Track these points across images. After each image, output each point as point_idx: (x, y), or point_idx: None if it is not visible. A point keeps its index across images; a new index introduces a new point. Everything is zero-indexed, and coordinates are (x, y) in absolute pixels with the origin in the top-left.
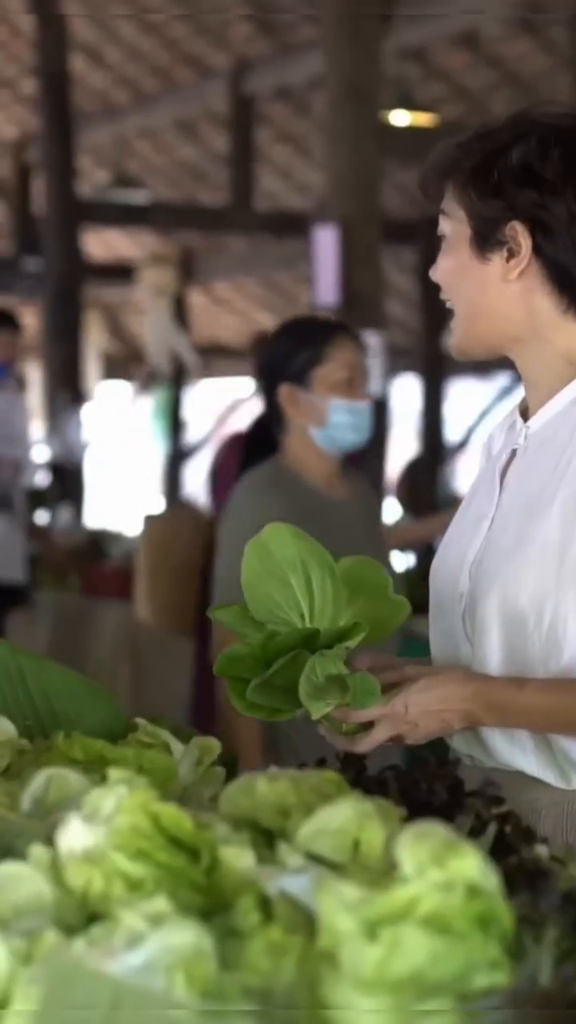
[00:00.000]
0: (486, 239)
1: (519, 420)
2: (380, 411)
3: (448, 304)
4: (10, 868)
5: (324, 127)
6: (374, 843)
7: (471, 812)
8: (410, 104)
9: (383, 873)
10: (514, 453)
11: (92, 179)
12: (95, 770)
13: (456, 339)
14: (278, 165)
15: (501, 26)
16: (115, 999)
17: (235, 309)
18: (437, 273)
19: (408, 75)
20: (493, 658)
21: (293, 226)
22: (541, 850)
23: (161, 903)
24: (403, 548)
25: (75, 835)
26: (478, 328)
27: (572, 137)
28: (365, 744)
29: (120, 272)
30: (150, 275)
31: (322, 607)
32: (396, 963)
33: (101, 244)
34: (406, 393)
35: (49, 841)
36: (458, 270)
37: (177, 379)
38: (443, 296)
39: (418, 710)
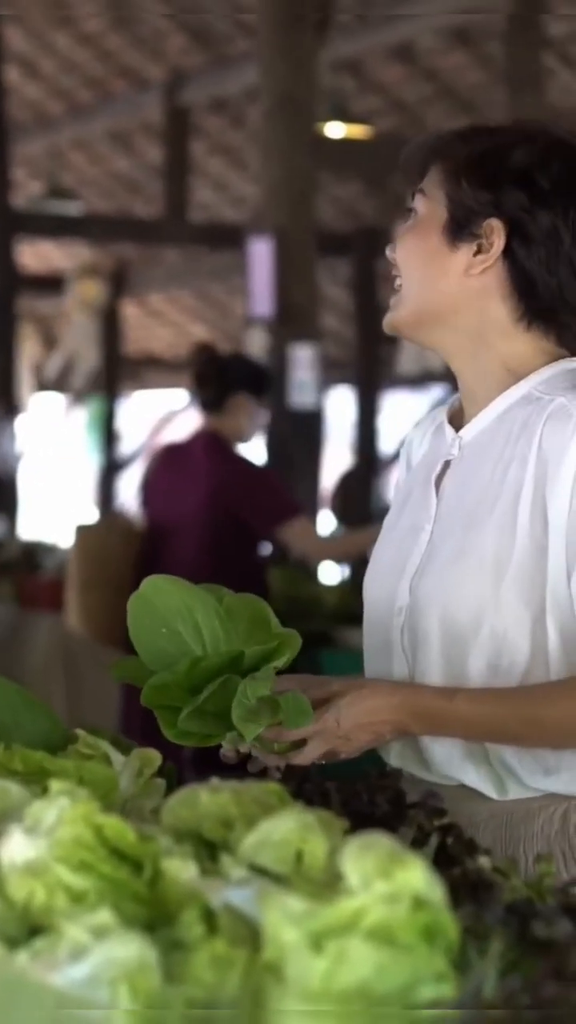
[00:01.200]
0: (460, 228)
1: (448, 428)
2: (314, 423)
3: (397, 281)
4: None
5: (259, 139)
6: (317, 854)
7: (413, 824)
8: (345, 116)
9: (327, 885)
10: (447, 463)
11: (26, 190)
12: (36, 782)
13: (395, 316)
14: (213, 177)
15: (436, 39)
16: (58, 1011)
17: (169, 321)
18: (398, 249)
19: (343, 87)
20: (434, 672)
21: (228, 238)
22: (484, 862)
23: (104, 915)
24: (337, 560)
25: (17, 847)
26: (424, 313)
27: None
28: (299, 760)
29: (54, 284)
30: (78, 287)
31: (215, 649)
32: (342, 975)
33: (35, 256)
34: (340, 405)
35: None
36: (423, 252)
37: (111, 390)
38: (394, 272)
39: (349, 724)
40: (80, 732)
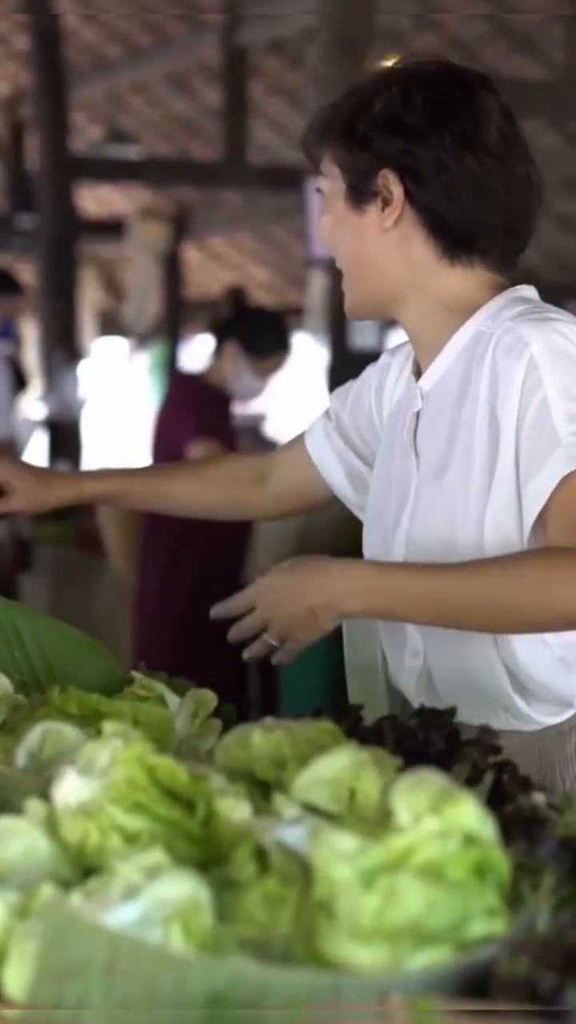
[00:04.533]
0: (359, 191)
1: (412, 380)
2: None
3: (338, 265)
4: (6, 823)
5: (317, 78)
6: (370, 792)
7: (468, 761)
8: (403, 54)
9: (379, 823)
10: (417, 415)
11: (85, 135)
12: (91, 724)
13: (347, 301)
14: (272, 118)
15: None
16: (112, 951)
17: (230, 264)
18: (320, 232)
19: (401, 25)
20: None
21: (288, 180)
22: (538, 798)
23: (157, 855)
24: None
25: (71, 789)
26: (362, 284)
27: (434, 82)
28: (234, 633)
29: (114, 228)
30: (140, 230)
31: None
32: (393, 912)
33: (95, 200)
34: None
35: (45, 795)
36: (337, 225)
37: (173, 334)
38: (334, 257)
39: (274, 598)
40: (136, 674)
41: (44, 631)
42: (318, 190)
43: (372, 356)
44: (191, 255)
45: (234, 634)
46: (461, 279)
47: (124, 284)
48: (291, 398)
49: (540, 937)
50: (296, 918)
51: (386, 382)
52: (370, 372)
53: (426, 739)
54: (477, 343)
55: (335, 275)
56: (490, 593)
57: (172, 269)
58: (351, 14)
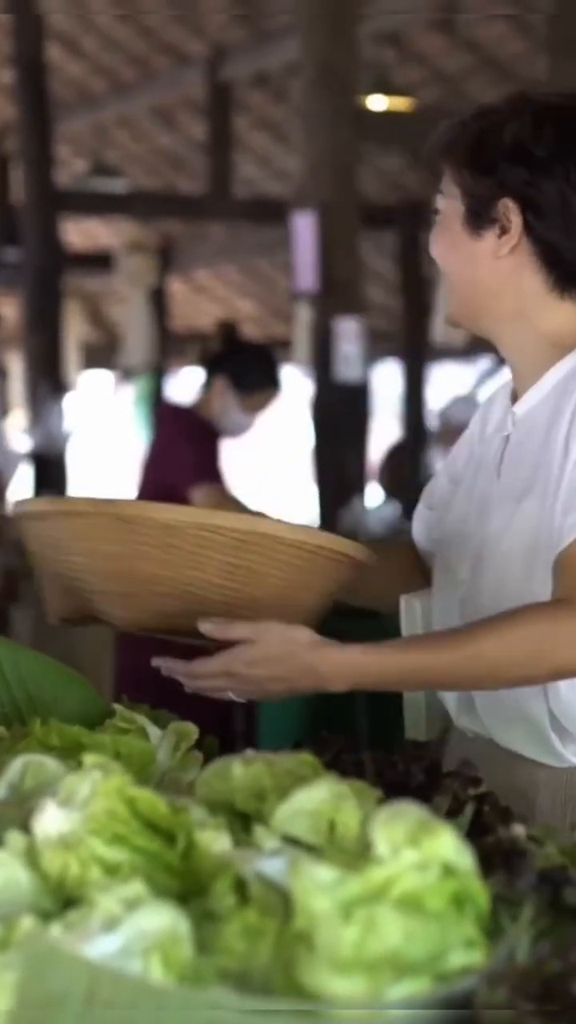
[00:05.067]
0: (479, 216)
1: (508, 404)
2: (362, 396)
3: (445, 279)
4: None
5: (301, 113)
6: (350, 824)
7: (448, 793)
8: (387, 88)
9: (359, 854)
10: (507, 439)
11: (70, 168)
12: (72, 756)
13: (449, 308)
14: (256, 152)
15: (477, 7)
16: (92, 983)
17: (215, 296)
18: (433, 249)
19: (384, 59)
20: None
21: (272, 213)
22: (518, 830)
23: (137, 887)
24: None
25: (51, 820)
26: (469, 303)
27: (566, 116)
28: (192, 689)
29: (99, 261)
30: (129, 263)
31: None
32: (372, 943)
33: (80, 233)
34: (388, 378)
35: (25, 827)
36: (452, 246)
37: (158, 367)
38: (442, 270)
39: (255, 672)
40: (118, 706)
41: (25, 663)
42: (435, 211)
43: (357, 388)
44: (176, 288)
45: (192, 689)
46: (567, 313)
47: (115, 319)
48: (277, 431)
49: (519, 968)
50: (276, 949)
51: (490, 413)
52: (476, 415)
53: (406, 771)
54: (572, 378)
55: (320, 308)
56: (480, 657)
57: (158, 302)
58: (335, 48)
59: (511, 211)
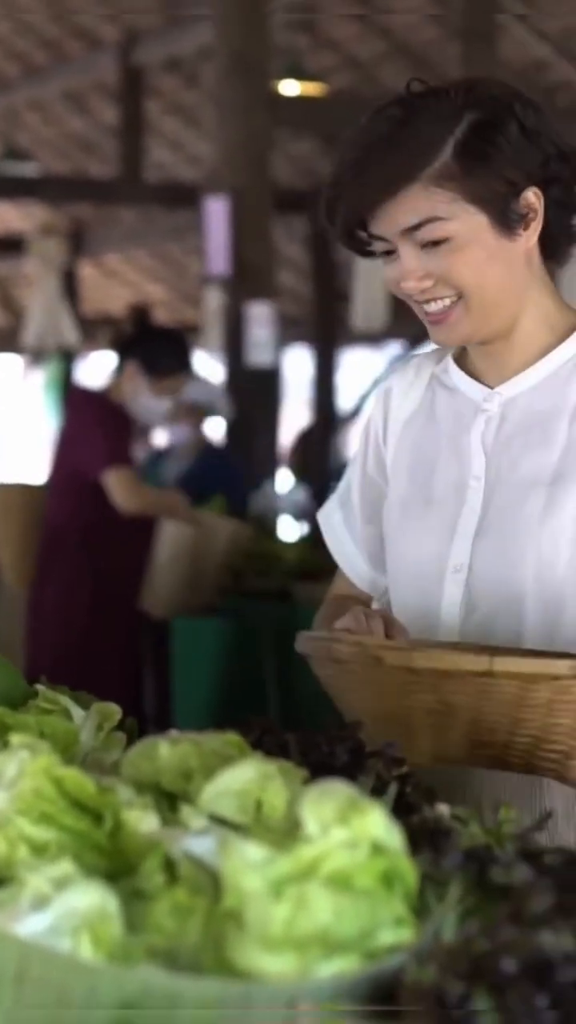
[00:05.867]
0: (506, 216)
1: (470, 383)
2: (272, 381)
3: (442, 302)
4: None
5: (213, 98)
6: (277, 803)
7: (372, 773)
8: (299, 74)
9: (286, 833)
10: (493, 420)
11: None
12: None
13: (472, 331)
14: (168, 136)
15: None
16: (22, 961)
17: (126, 281)
18: (462, 275)
19: (297, 45)
20: (528, 624)
21: (184, 197)
22: (442, 809)
23: (66, 866)
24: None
25: None
26: (503, 311)
27: (493, 90)
28: None
29: (10, 245)
30: (39, 247)
31: None
32: (302, 921)
33: None
34: (298, 363)
35: None
36: (489, 259)
37: (67, 352)
38: (437, 294)
39: None
40: (40, 687)
41: None
42: (433, 242)
43: (269, 373)
44: (87, 272)
45: None
46: (551, 286)
47: (23, 302)
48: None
49: (447, 946)
50: (205, 928)
51: (390, 407)
52: (368, 427)
53: (331, 752)
54: None
55: (231, 292)
56: None
57: (68, 285)
58: (247, 33)
59: (535, 196)
